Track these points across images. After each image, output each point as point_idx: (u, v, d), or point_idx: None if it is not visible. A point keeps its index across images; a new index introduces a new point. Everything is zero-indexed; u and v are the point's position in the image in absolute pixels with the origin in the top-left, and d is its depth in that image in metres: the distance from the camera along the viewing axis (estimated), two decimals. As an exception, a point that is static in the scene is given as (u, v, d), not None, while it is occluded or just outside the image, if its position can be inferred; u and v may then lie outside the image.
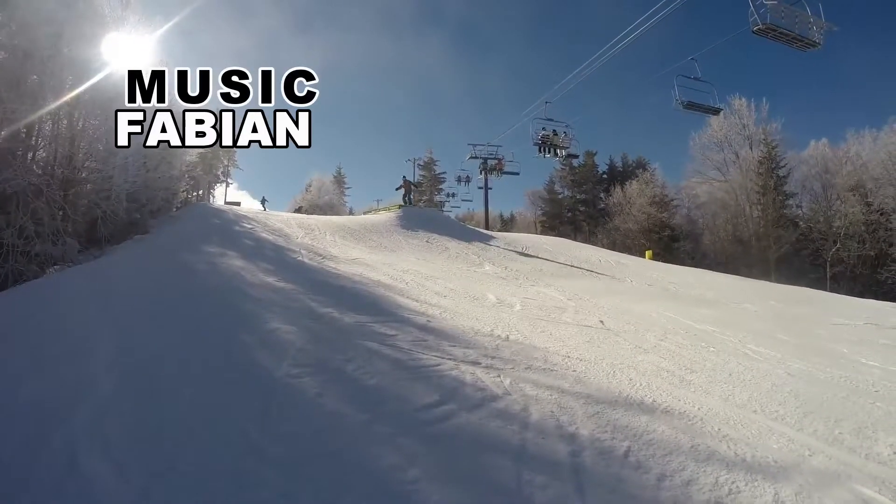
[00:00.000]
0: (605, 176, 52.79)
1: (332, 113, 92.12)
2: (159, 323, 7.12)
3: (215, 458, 3.71)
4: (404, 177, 30.65)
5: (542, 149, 23.14)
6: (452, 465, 3.65)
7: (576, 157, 26.75)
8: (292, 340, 6.31)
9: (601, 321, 8.91)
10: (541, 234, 36.53)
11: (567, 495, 3.32)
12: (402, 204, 27.88)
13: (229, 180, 51.91)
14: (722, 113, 39.80)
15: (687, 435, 4.24)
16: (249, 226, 17.16)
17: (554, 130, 23.03)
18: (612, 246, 34.90)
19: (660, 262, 23.90)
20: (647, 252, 28.25)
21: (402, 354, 5.99)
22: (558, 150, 23.30)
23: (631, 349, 7.13)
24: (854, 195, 35.83)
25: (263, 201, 34.84)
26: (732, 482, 3.50)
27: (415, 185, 32.29)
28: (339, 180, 61.08)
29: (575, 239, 34.38)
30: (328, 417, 4.39)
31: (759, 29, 12.32)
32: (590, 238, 43.58)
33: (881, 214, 35.34)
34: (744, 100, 40.72)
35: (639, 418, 4.57)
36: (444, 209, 44.98)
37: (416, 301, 9.13)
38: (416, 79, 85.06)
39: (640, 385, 5.53)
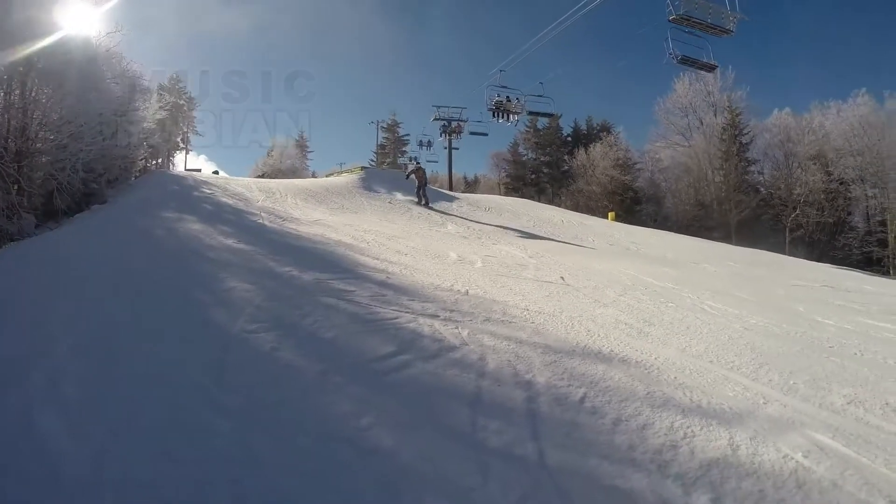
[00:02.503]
0: (569, 139, 52.74)
1: (295, 73, 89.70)
2: (115, 285, 6.85)
3: (171, 412, 3.64)
4: (416, 161, 24.89)
5: (495, 114, 24.87)
6: (406, 412, 3.67)
7: (551, 115, 26.85)
8: (249, 298, 6.21)
9: (562, 278, 8.90)
10: (504, 195, 36.50)
11: (522, 439, 3.35)
12: (416, 200, 19.70)
13: (189, 147, 50.93)
14: (687, 79, 40.77)
15: (643, 383, 4.25)
16: (209, 191, 16.72)
17: (507, 97, 24.48)
18: (576, 208, 35.00)
19: (622, 224, 24.10)
20: (609, 214, 28.44)
21: (359, 309, 5.95)
22: (511, 115, 24.97)
23: (590, 303, 7.14)
24: (815, 164, 36.97)
25: (215, 173, 34.20)
26: (688, 427, 3.52)
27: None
28: (302, 144, 59.83)
29: (539, 201, 34.32)
30: (283, 369, 4.36)
31: (674, 18, 13.23)
32: (553, 200, 43.62)
33: (841, 183, 36.78)
34: (695, 72, 40.74)
35: (595, 367, 4.58)
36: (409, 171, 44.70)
37: (377, 259, 9.02)
38: (379, 40, 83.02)
39: (598, 336, 5.54)
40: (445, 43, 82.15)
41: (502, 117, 25.15)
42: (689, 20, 13.28)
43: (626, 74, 71.20)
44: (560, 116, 40.50)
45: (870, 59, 58.45)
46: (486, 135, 32.22)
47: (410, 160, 22.33)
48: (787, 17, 62.06)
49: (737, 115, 40.39)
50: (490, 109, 24.95)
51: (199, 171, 35.24)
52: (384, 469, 3.05)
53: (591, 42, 68.23)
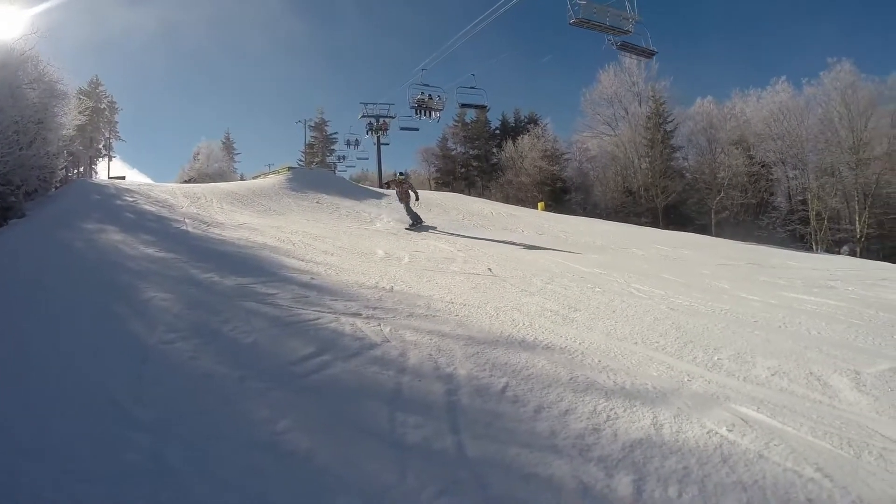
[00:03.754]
0: (497, 132, 53.15)
1: (215, 73, 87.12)
2: (29, 304, 6.42)
3: (83, 429, 3.44)
4: (399, 174, 20.08)
5: (418, 111, 25.88)
6: (324, 414, 3.62)
7: (484, 107, 27.24)
8: (168, 307, 6.00)
9: (489, 269, 8.89)
10: (434, 190, 36.49)
11: (441, 433, 3.28)
12: (411, 223, 15.44)
13: (112, 153, 49.02)
14: (612, 71, 41.91)
15: (566, 368, 4.21)
16: (132, 199, 16.02)
17: (429, 95, 25.45)
18: (506, 199, 35.29)
19: (552, 213, 24.45)
20: (539, 204, 28.86)
21: (280, 311, 5.85)
22: (433, 112, 25.99)
23: (517, 293, 7.13)
24: (737, 149, 38.66)
25: (121, 178, 32.98)
26: (611, 409, 3.49)
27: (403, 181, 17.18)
28: (229, 146, 58.41)
29: (469, 194, 34.52)
30: (201, 379, 4.23)
31: (573, 22, 14.33)
32: (483, 193, 43.72)
33: (762, 166, 38.82)
34: (634, 58, 41.86)
35: (519, 355, 4.54)
36: (339, 170, 44.39)
37: (302, 260, 8.85)
38: (297, 36, 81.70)
39: (523, 325, 5.51)
40: (369, 40, 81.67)
41: (425, 114, 26.00)
42: (588, 23, 14.33)
43: (553, 68, 72.44)
44: (488, 109, 40.91)
45: (788, 49, 61.25)
46: (417, 129, 32.35)
47: (395, 174, 18.96)
48: (709, 9, 64.21)
49: (661, 105, 41.68)
50: (412, 107, 25.83)
51: (124, 178, 33.89)
52: (299, 473, 2.94)
53: (516, 38, 69.02)
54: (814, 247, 33.68)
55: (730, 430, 3.17)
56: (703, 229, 27.62)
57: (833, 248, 32.65)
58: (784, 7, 63.30)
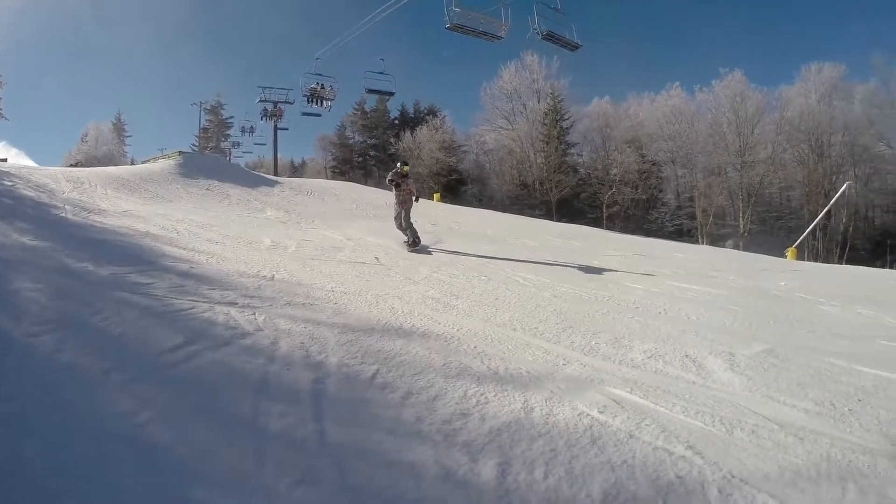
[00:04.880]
0: (396, 121, 53.01)
1: (105, 50, 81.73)
2: None
3: None
4: (406, 164, 12.56)
5: (310, 100, 26.00)
6: (186, 404, 3.44)
7: (391, 93, 27.02)
8: (35, 298, 5.46)
9: (377, 258, 8.74)
10: (331, 179, 35.93)
11: (304, 421, 3.18)
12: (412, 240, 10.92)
13: None
14: (513, 66, 42.77)
15: (440, 355, 4.14)
16: (10, 183, 14.62)
17: (322, 84, 25.69)
18: (401, 190, 35.15)
19: (447, 204, 24.58)
20: (434, 195, 28.87)
21: (154, 301, 5.48)
22: (324, 102, 26.30)
23: (400, 281, 7.04)
24: (630, 147, 40.61)
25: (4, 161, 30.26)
26: (481, 394, 3.43)
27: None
28: (119, 128, 55.06)
29: (365, 183, 34.10)
30: (64, 371, 3.91)
31: (449, 27, 15.02)
32: (380, 182, 43.51)
33: (653, 165, 41.03)
34: (535, 56, 43.25)
35: (393, 343, 4.43)
36: (235, 156, 42.98)
37: (184, 249, 8.36)
38: (203, 17, 78.18)
39: (402, 312, 5.42)
40: (269, 22, 79.06)
41: (317, 103, 26.19)
42: (462, 28, 15.09)
43: (454, 62, 72.80)
44: (388, 99, 40.61)
45: (683, 57, 64.31)
46: (319, 115, 31.41)
47: (398, 167, 12.05)
48: (611, 15, 66.48)
49: (559, 102, 42.86)
50: (305, 96, 25.88)
51: (5, 160, 31.03)
52: (157, 465, 2.77)
53: (420, 31, 68.79)
54: (700, 240, 35.61)
55: (601, 412, 3.17)
56: (595, 222, 28.82)
57: (718, 241, 34.75)
58: (681, 18, 66.29)
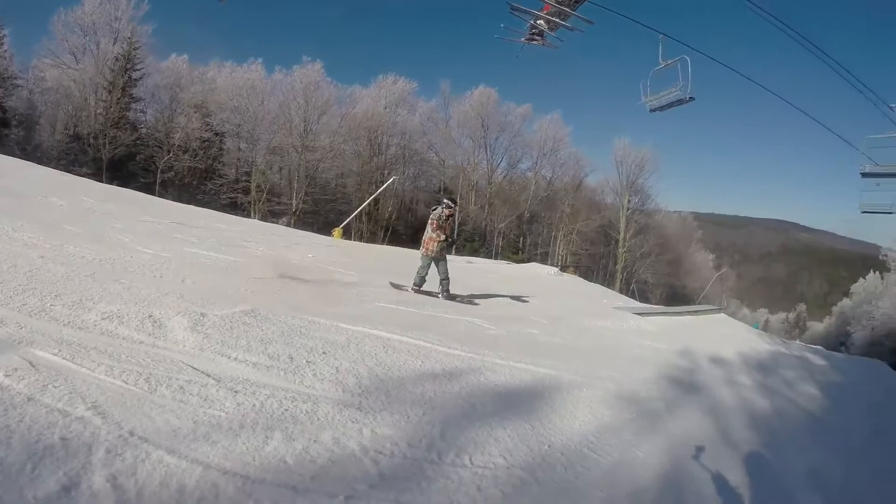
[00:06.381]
0: None
1: None
2: None
3: None
4: (453, 201, 10.61)
5: None
6: None
7: None
8: None
9: None
10: None
11: None
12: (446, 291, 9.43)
13: None
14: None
15: None
16: None
17: None
18: None
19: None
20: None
21: None
22: None
23: None
24: (197, 113, 40.95)
25: None
26: None
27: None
28: None
29: None
30: None
31: None
32: None
33: (216, 135, 42.99)
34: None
35: None
36: None
37: None
38: None
39: None
40: None
41: None
42: None
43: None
44: None
45: (274, 37, 65.68)
46: None
47: (444, 205, 9.75)
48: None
49: (135, 49, 39.96)
50: None
51: None
52: None
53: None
54: (252, 215, 37.62)
55: (7, 376, 2.95)
56: (147, 188, 27.87)
57: (270, 218, 37.13)
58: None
